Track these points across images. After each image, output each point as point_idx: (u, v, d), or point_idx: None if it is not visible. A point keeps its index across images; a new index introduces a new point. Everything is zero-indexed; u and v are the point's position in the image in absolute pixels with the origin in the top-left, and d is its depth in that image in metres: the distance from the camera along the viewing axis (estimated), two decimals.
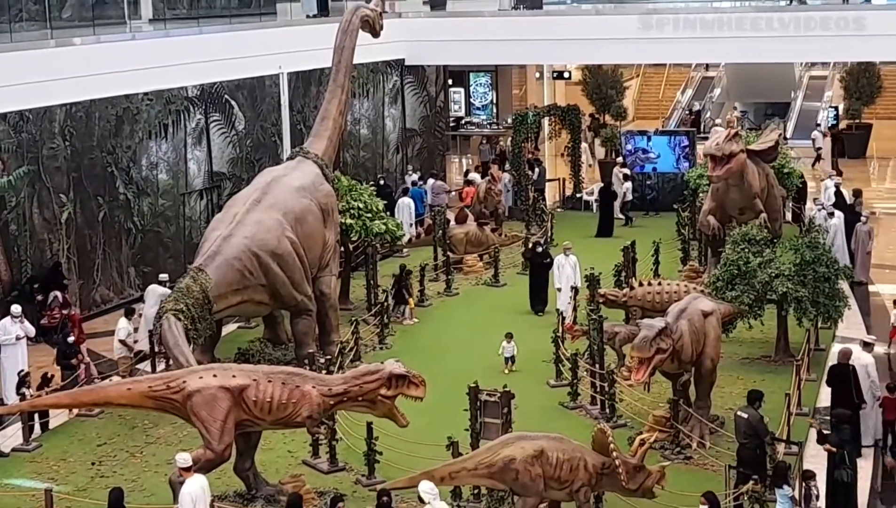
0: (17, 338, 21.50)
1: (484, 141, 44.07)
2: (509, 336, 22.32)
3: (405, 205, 32.81)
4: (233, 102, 30.85)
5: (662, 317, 18.37)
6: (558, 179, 39.02)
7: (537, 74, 49.35)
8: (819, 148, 41.64)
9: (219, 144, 30.41)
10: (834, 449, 16.20)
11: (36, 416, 19.73)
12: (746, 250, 22.11)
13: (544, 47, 38.00)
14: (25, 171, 25.07)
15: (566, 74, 47.99)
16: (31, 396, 19.11)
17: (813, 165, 41.02)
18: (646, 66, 54.13)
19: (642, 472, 15.46)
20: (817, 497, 15.26)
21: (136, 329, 22.61)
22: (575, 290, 24.86)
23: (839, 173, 36.68)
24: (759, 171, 26.99)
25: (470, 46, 38.28)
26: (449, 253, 29.14)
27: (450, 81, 43.37)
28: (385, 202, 27.76)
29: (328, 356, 20.88)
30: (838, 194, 31.56)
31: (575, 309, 24.68)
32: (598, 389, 20.07)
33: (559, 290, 25.12)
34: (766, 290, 21.46)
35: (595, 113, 45.78)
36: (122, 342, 22.12)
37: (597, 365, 20.34)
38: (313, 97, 33.34)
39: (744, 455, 16.43)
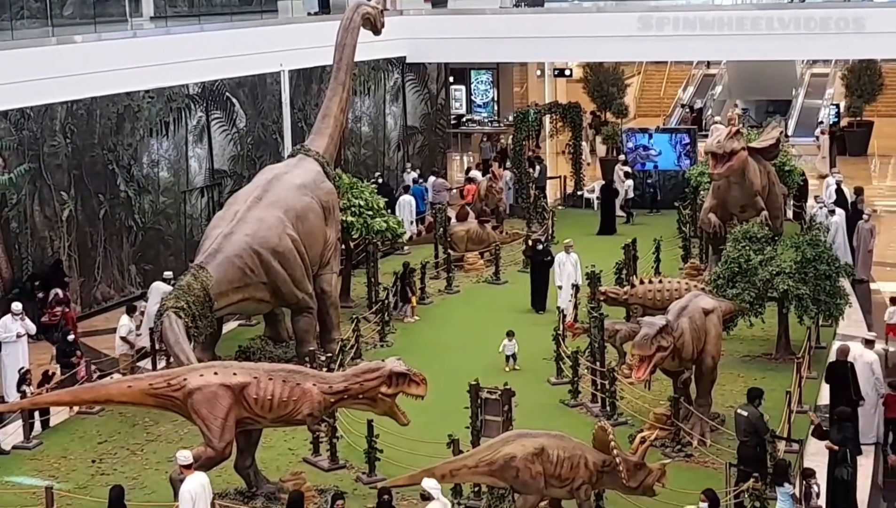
0: (18, 335, 21.53)
1: (485, 139, 44.06)
2: (510, 334, 22.32)
3: (406, 202, 32.80)
4: (234, 100, 30.85)
5: (663, 315, 18.38)
6: (559, 177, 39.01)
7: (538, 72, 49.31)
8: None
9: (220, 142, 30.42)
10: (836, 447, 16.20)
11: (36, 414, 19.73)
12: (747, 247, 22.11)
13: (545, 45, 37.97)
14: (27, 168, 25.08)
15: (567, 72, 47.95)
16: (32, 393, 19.12)
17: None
18: (647, 63, 54.11)
19: (643, 470, 15.45)
20: (818, 495, 15.25)
21: (138, 326, 22.60)
22: (576, 288, 24.86)
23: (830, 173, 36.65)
24: (761, 168, 26.98)
25: (471, 44, 38.28)
26: (450, 251, 29.13)
27: (451, 79, 43.37)
28: (386, 200, 27.75)
29: (329, 354, 20.88)
30: (839, 191, 31.53)
31: (576, 307, 24.69)
32: (599, 387, 20.07)
33: (560, 288, 25.11)
34: (767, 288, 21.46)
35: (596, 111, 45.76)
36: (124, 338, 22.12)
37: (597, 363, 20.34)
38: (314, 95, 33.33)
39: (744, 453, 16.43)
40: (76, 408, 20.33)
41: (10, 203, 24.78)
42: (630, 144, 36.65)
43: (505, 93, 47.90)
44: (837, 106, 46.69)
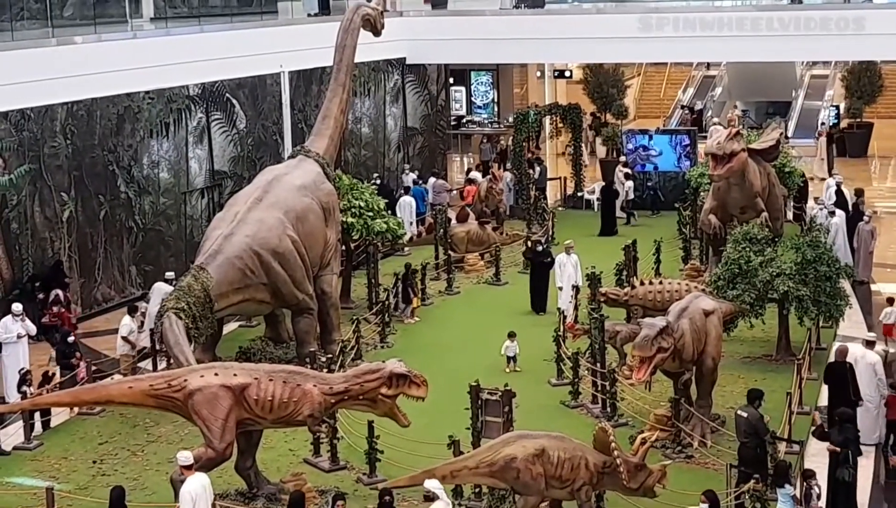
0: (19, 336, 21.54)
1: (485, 140, 44.05)
2: (512, 335, 22.31)
3: (406, 203, 32.81)
4: (234, 101, 30.86)
5: (664, 316, 18.37)
6: (559, 178, 39.01)
7: (538, 73, 49.34)
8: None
9: (220, 143, 30.43)
10: (838, 449, 16.19)
11: (37, 414, 19.73)
12: (748, 248, 22.11)
13: (545, 46, 37.97)
14: (27, 169, 25.08)
15: (567, 73, 47.98)
16: (32, 394, 19.12)
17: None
18: (647, 65, 54.11)
19: (643, 471, 15.46)
20: (818, 497, 15.26)
21: (140, 325, 22.60)
22: (576, 289, 24.86)
23: (829, 174, 36.64)
24: (761, 170, 26.99)
25: (471, 45, 38.28)
26: (450, 252, 29.13)
27: (451, 80, 43.38)
28: (386, 201, 27.75)
29: (329, 355, 20.89)
30: (839, 192, 31.54)
31: (576, 308, 24.67)
32: (600, 388, 20.07)
33: (560, 289, 25.12)
34: (768, 289, 21.46)
35: (596, 112, 45.78)
36: (125, 338, 22.11)
37: (598, 364, 20.34)
38: (314, 96, 33.34)
39: (745, 454, 16.43)
40: (77, 409, 20.34)
41: (11, 204, 24.78)
42: (630, 146, 36.65)
43: (505, 94, 47.91)
44: (837, 107, 46.72)
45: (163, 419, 19.64)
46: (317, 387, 16.17)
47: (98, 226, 26.88)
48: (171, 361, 19.45)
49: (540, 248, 27.07)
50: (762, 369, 21.85)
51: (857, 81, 44.78)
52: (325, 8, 35.74)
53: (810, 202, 32.51)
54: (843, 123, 45.80)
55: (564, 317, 23.30)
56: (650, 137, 36.60)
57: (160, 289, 23.48)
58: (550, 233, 31.68)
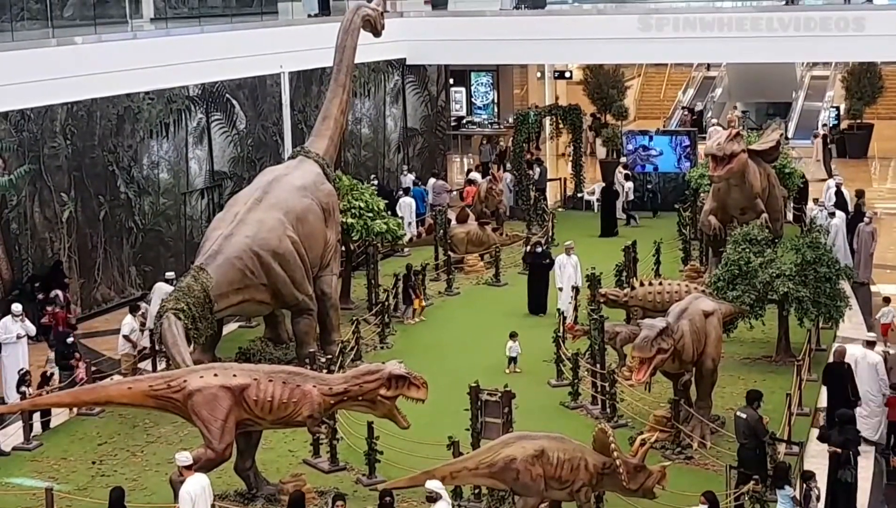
0: (18, 337, 21.54)
1: (485, 141, 44.06)
2: (514, 336, 22.30)
3: (406, 204, 32.81)
4: (234, 102, 30.86)
5: (663, 317, 18.37)
6: (559, 179, 39.02)
7: (538, 74, 49.35)
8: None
9: (220, 144, 30.42)
10: (839, 450, 16.19)
11: (36, 415, 19.72)
12: (747, 250, 22.10)
13: (545, 47, 37.99)
14: (27, 170, 25.08)
15: (567, 74, 47.99)
16: (31, 395, 19.11)
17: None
18: (647, 65, 54.11)
19: (643, 472, 15.45)
20: (818, 498, 15.26)
21: (142, 324, 22.60)
22: (576, 290, 24.85)
23: (829, 176, 36.62)
24: (761, 171, 26.98)
25: (471, 46, 38.28)
26: (450, 253, 29.12)
27: (451, 81, 43.37)
28: (386, 202, 27.75)
29: (329, 356, 20.89)
30: (839, 193, 31.54)
31: (576, 309, 24.67)
32: (599, 389, 20.06)
33: (560, 289, 25.12)
34: (768, 290, 21.45)
35: (596, 113, 45.77)
36: (127, 337, 22.10)
37: (598, 365, 20.34)
38: (314, 97, 33.34)
39: (744, 456, 16.43)
40: (76, 409, 20.34)
41: (11, 205, 24.78)
42: (630, 147, 36.65)
43: (505, 95, 47.93)
44: (837, 108, 46.71)
45: (162, 420, 19.64)
46: (316, 388, 16.16)
47: (98, 226, 26.88)
48: (171, 361, 19.45)
49: (539, 249, 27.06)
50: (762, 370, 21.85)
51: (858, 82, 44.77)
52: (325, 8, 35.75)
53: (810, 203, 32.51)
54: (844, 125, 45.79)
55: (564, 318, 23.30)
56: (650, 138, 36.60)
57: (161, 289, 23.47)
58: (550, 234, 31.67)
